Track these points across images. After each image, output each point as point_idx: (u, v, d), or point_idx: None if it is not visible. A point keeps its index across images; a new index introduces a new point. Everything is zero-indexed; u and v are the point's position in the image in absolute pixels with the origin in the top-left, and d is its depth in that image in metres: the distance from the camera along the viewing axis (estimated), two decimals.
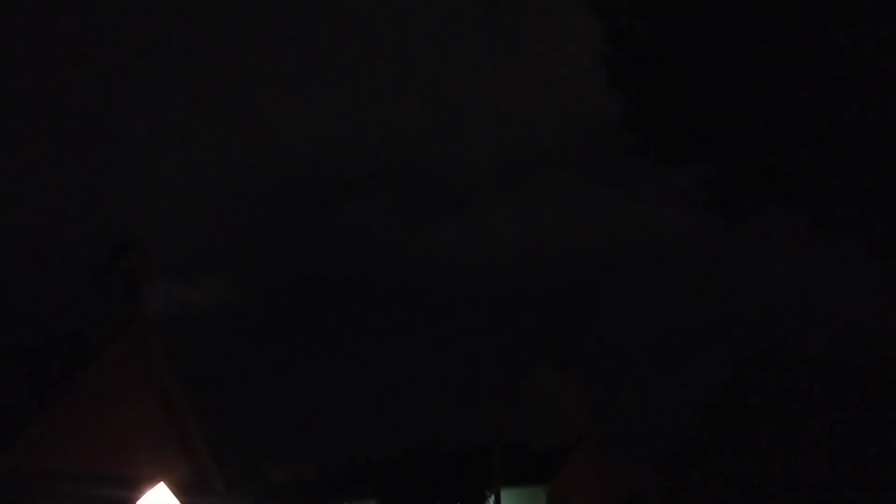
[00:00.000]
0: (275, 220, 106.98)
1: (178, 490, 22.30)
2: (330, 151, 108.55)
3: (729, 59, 9.80)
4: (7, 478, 19.94)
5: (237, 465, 37.98)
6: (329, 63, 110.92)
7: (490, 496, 27.76)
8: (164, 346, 24.68)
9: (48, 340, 25.91)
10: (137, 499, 21.54)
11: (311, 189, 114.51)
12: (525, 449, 34.20)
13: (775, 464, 27.62)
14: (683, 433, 32.79)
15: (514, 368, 36.35)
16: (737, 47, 9.70)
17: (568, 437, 34.36)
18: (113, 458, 22.37)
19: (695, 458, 30.79)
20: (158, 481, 21.98)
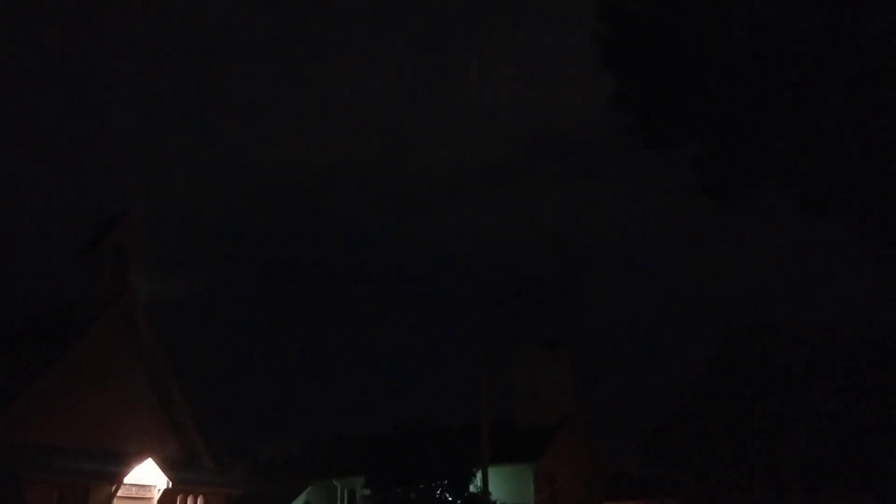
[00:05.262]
0: (263, 215, 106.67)
1: (165, 465, 22.26)
2: (318, 155, 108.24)
3: (722, 40, 9.75)
4: None
5: (225, 441, 38.09)
6: (305, 77, 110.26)
7: (477, 473, 27.82)
8: (151, 323, 24.48)
9: (36, 316, 25.71)
10: (125, 473, 21.51)
11: (293, 186, 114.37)
12: (512, 427, 34.34)
13: (759, 442, 27.83)
14: (668, 412, 33.01)
15: (502, 348, 36.45)
16: (730, 27, 9.64)
17: (555, 416, 34.52)
18: (100, 433, 22.29)
19: (679, 437, 30.97)
20: (146, 457, 21.93)
